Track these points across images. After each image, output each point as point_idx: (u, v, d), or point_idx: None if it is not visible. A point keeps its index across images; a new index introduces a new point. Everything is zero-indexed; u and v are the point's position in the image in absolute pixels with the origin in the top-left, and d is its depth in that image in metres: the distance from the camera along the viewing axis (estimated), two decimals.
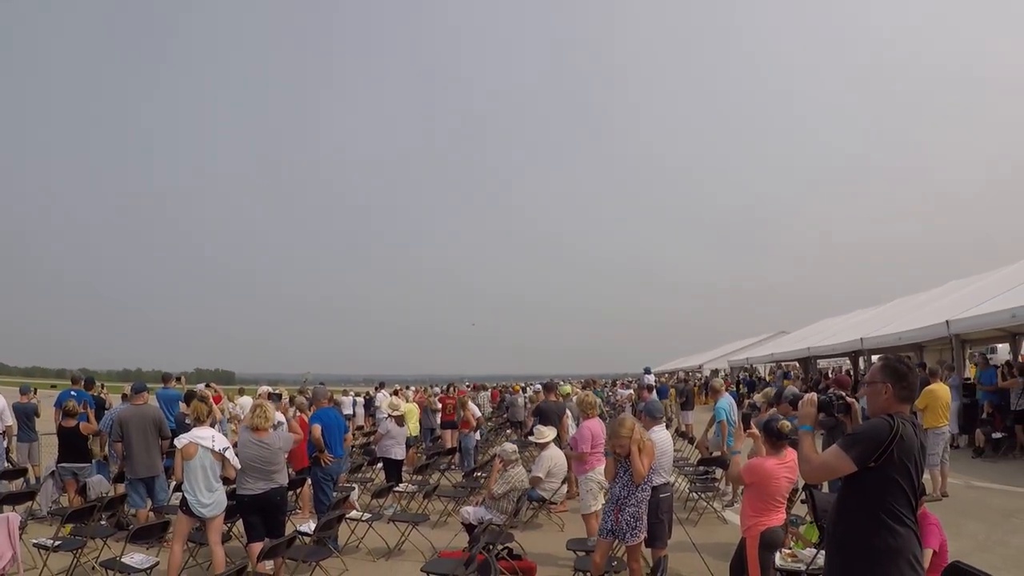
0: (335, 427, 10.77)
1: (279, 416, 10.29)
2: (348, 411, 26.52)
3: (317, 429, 10.36)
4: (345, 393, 32.35)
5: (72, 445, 11.19)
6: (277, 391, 18.20)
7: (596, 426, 9.34)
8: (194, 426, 8.03)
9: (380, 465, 13.86)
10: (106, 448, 11.78)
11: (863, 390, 3.99)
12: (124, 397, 14.52)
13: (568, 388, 18.42)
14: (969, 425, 16.01)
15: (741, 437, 6.51)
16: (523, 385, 32.44)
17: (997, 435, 15.00)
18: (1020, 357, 19.18)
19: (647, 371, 25.84)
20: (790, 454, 5.97)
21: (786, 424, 6.04)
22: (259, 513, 7.89)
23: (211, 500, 7.66)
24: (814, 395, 4.00)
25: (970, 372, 17.31)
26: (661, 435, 7.90)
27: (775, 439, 6.06)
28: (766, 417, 6.92)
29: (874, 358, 24.93)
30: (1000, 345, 22.43)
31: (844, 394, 4.16)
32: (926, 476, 11.00)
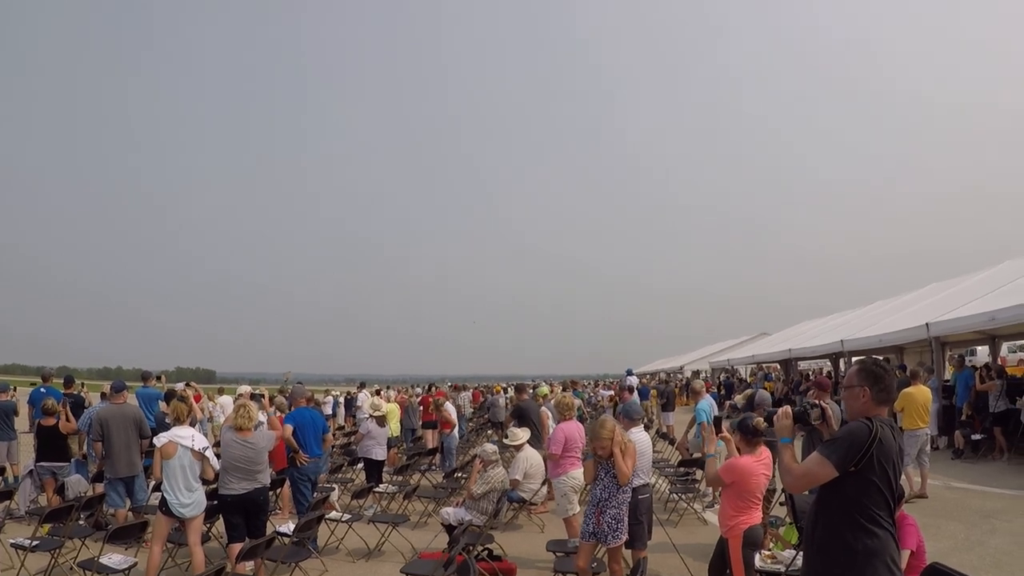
0: (310, 427, 10.69)
1: (260, 415, 10.24)
2: (328, 411, 26.45)
3: (288, 429, 10.29)
4: (326, 393, 32.27)
5: (51, 444, 11.10)
6: (259, 391, 18.12)
7: (571, 428, 9.32)
8: (174, 425, 7.97)
9: (361, 465, 13.83)
10: (85, 447, 11.68)
11: (841, 394, 4.04)
12: (103, 396, 14.40)
13: (545, 389, 18.41)
14: (948, 427, 16.14)
15: (712, 440, 6.52)
16: (504, 386, 32.42)
17: (976, 437, 15.19)
18: (999, 359, 19.34)
19: (629, 372, 25.89)
20: (765, 451, 6.09)
21: (760, 421, 6.09)
22: (242, 513, 7.85)
23: (191, 500, 7.63)
24: (788, 408, 4.04)
25: (949, 374, 17.43)
26: (640, 436, 7.91)
27: (750, 436, 6.14)
28: (740, 417, 6.99)
29: (854, 360, 25.07)
30: (980, 347, 22.59)
31: (816, 401, 4.20)
32: (903, 477, 11.11)
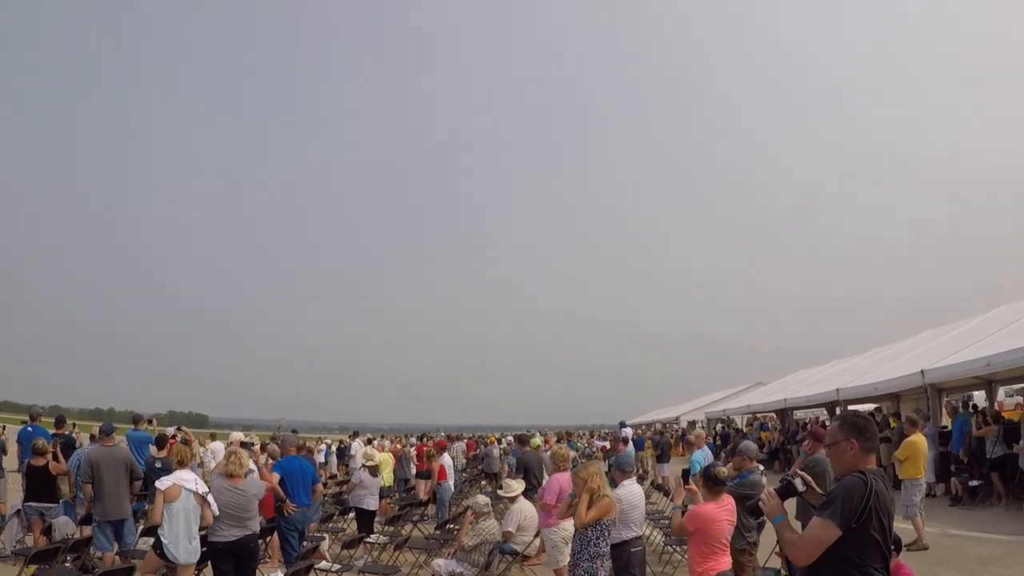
0: (299, 476, 10.57)
1: (250, 464, 10.14)
2: (321, 459, 26.23)
3: (275, 478, 10.19)
4: (319, 441, 32.07)
5: (40, 484, 10.95)
6: (250, 439, 17.93)
7: (566, 479, 9.22)
8: (176, 468, 7.93)
9: (352, 515, 13.66)
10: (74, 488, 11.57)
11: (827, 452, 4.08)
12: (92, 437, 14.27)
13: (538, 440, 18.28)
14: (945, 473, 16.01)
15: (680, 492, 6.59)
16: (498, 436, 32.21)
17: (974, 483, 15.06)
18: (996, 404, 19.26)
19: (622, 424, 25.74)
20: (727, 499, 6.30)
21: (722, 470, 6.40)
22: (232, 560, 7.77)
23: (191, 547, 7.60)
24: (770, 489, 4.04)
25: (946, 420, 17.36)
26: (632, 489, 7.88)
27: (712, 484, 6.32)
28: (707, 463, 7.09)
29: (850, 408, 25.00)
30: (976, 392, 22.54)
31: (795, 471, 4.23)
32: (908, 526, 11.00)
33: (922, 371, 16.86)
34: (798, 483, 3.99)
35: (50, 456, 11.20)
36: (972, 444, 15.39)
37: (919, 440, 11.93)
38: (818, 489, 4.03)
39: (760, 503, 3.98)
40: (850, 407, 25.24)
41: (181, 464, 7.99)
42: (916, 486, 11.61)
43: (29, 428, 13.19)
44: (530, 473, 12.61)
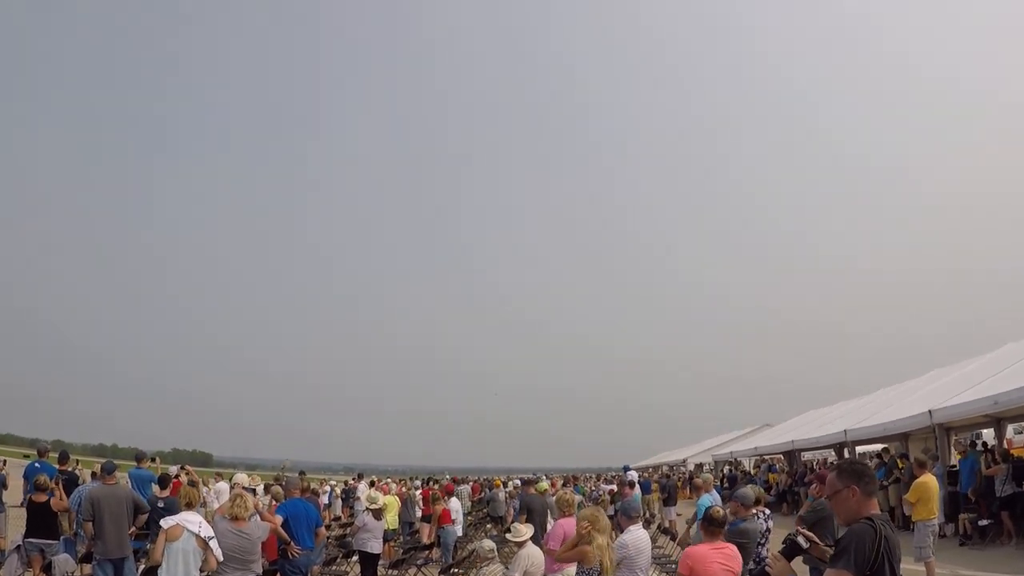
0: (303, 518, 10.50)
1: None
2: (325, 501, 26.11)
3: (278, 520, 10.13)
4: (323, 483, 31.95)
5: (41, 520, 10.92)
6: (252, 486, 17.84)
7: (571, 524, 9.12)
8: (183, 510, 7.94)
9: (356, 558, 13.51)
10: (75, 526, 11.51)
11: (829, 503, 4.03)
12: (94, 475, 14.21)
13: (545, 484, 18.14)
14: (954, 513, 15.87)
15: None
16: (504, 479, 31.98)
17: (983, 522, 14.89)
18: (1005, 442, 19.12)
19: (626, 468, 25.53)
20: (728, 546, 6.28)
21: (718, 510, 6.46)
22: None
23: None
24: (775, 552, 4.10)
25: (955, 459, 17.24)
26: (638, 534, 7.79)
27: (707, 525, 6.36)
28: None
29: (858, 449, 24.85)
30: (985, 431, 22.41)
31: (797, 528, 4.25)
32: (920, 568, 10.85)
33: (930, 411, 16.80)
34: (801, 540, 4.04)
35: (56, 492, 11.20)
36: (981, 483, 15.25)
37: (930, 481, 11.81)
38: (821, 544, 4.05)
39: (767, 568, 4.01)
40: (858, 448, 25.12)
41: (189, 506, 7.97)
42: (928, 527, 11.44)
43: (36, 464, 13.13)
44: (533, 516, 12.48)
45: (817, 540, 4.06)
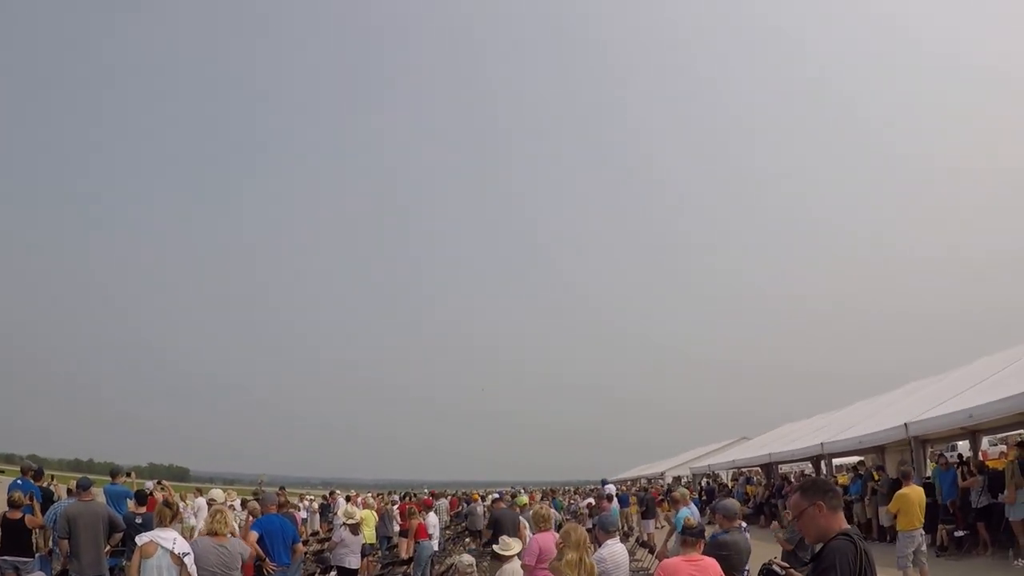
0: (279, 534, 10.41)
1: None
2: (303, 516, 25.92)
3: (254, 536, 10.04)
4: (301, 498, 31.77)
5: (15, 538, 10.77)
6: (229, 502, 17.68)
7: (547, 540, 9.08)
8: (157, 527, 7.90)
9: (334, 574, 13.43)
10: (50, 543, 11.36)
11: (796, 524, 4.06)
12: (70, 492, 14.05)
13: (525, 499, 18.12)
14: (931, 524, 15.96)
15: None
16: (482, 493, 31.92)
17: (959, 533, 15.11)
18: (980, 454, 19.30)
19: (604, 482, 25.55)
20: (705, 559, 6.16)
21: (691, 519, 6.52)
22: None
23: None
24: None
25: (930, 471, 17.39)
26: (615, 549, 7.85)
27: (683, 534, 6.32)
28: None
29: (835, 462, 24.99)
30: (960, 443, 22.61)
31: (772, 560, 4.35)
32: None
33: (906, 424, 16.95)
34: (777, 569, 4.20)
35: (33, 508, 11.07)
36: (958, 495, 15.41)
37: (911, 491, 11.99)
38: (796, 572, 4.10)
39: None
40: (835, 460, 25.26)
41: (161, 523, 7.93)
42: (908, 538, 11.73)
43: (19, 481, 12.94)
44: (500, 530, 12.35)
45: (792, 569, 4.11)
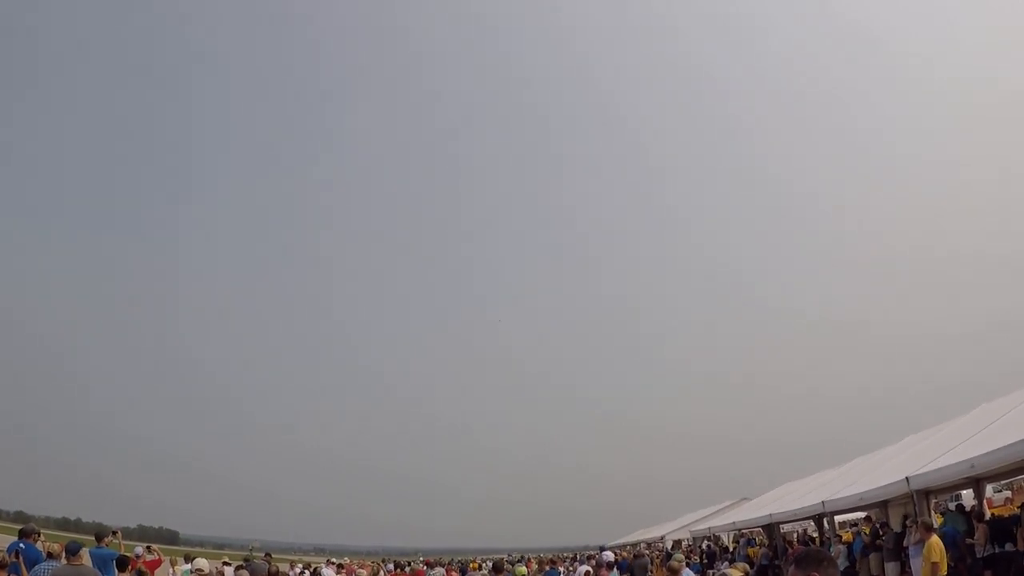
0: None
1: None
2: None
3: None
4: (292, 565, 31.24)
5: None
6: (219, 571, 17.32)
7: None
8: None
9: None
10: None
11: None
12: (50, 555, 13.64)
13: (524, 570, 17.78)
14: None
15: None
16: (480, 562, 31.42)
17: None
18: (984, 501, 19.09)
19: (602, 548, 25.21)
20: None
21: (673, 564, 6.32)
22: None
23: None
24: None
25: (936, 521, 17.23)
26: None
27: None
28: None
29: (837, 519, 24.63)
30: (964, 491, 22.38)
31: None
32: None
33: (907, 478, 16.73)
34: None
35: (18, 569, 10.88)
36: (964, 549, 15.41)
37: (935, 542, 12.69)
38: None
39: None
40: (837, 518, 24.88)
41: None
42: None
43: (21, 544, 12.61)
44: None
45: None
